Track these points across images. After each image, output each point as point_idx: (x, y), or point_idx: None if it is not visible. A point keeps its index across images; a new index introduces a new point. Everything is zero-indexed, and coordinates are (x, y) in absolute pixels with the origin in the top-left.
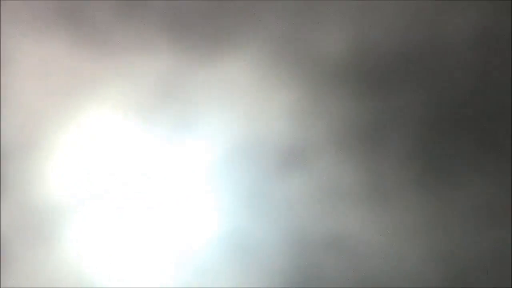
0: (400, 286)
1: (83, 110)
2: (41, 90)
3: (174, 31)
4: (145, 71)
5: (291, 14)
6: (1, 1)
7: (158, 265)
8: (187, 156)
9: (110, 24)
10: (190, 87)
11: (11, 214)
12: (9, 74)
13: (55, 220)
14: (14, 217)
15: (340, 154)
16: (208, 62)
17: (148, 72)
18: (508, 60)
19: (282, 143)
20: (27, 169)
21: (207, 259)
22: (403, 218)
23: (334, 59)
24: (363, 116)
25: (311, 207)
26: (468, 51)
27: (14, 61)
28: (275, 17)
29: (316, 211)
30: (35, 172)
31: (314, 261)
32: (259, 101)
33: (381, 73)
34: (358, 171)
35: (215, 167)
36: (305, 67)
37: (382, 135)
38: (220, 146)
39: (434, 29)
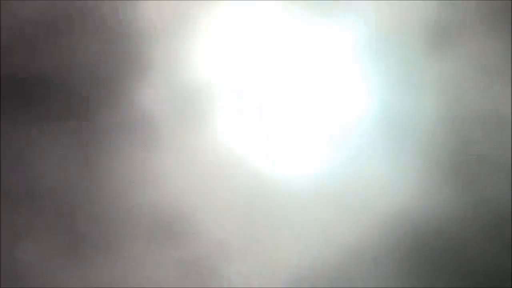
0: None
1: None
2: None
3: None
4: None
5: None
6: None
7: (310, 145)
8: (334, 37)
9: None
10: None
11: (160, 94)
12: None
13: (202, 100)
14: (162, 97)
15: (491, 32)
16: None
17: None
18: None
19: (431, 22)
20: (174, 50)
21: (359, 138)
22: None
23: None
24: None
25: (463, 85)
26: None
27: None
28: None
29: (468, 89)
30: (182, 52)
31: (469, 139)
32: None
33: None
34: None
35: (363, 48)
36: None
37: None
38: (367, 27)
39: None
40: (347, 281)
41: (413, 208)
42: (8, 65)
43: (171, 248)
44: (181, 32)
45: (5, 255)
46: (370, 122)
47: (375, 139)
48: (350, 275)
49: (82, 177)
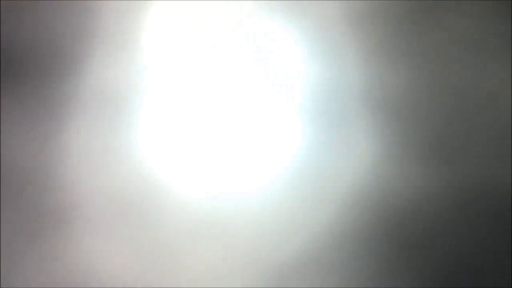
0: None
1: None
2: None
3: None
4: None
5: None
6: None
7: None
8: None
9: None
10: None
11: (113, 68)
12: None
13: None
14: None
15: (480, 7)
16: None
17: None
18: None
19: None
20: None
21: (339, 106)
22: None
23: None
24: None
25: (447, 62)
26: None
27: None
28: None
29: (452, 64)
30: (130, 29)
31: (451, 117)
32: None
33: None
34: (494, 23)
35: (340, 31)
36: None
37: None
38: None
39: None
40: (316, 267)
41: (388, 185)
42: None
43: (127, 228)
44: (128, 15)
45: None
46: (354, 94)
47: (354, 114)
48: (319, 261)
49: (41, 155)
